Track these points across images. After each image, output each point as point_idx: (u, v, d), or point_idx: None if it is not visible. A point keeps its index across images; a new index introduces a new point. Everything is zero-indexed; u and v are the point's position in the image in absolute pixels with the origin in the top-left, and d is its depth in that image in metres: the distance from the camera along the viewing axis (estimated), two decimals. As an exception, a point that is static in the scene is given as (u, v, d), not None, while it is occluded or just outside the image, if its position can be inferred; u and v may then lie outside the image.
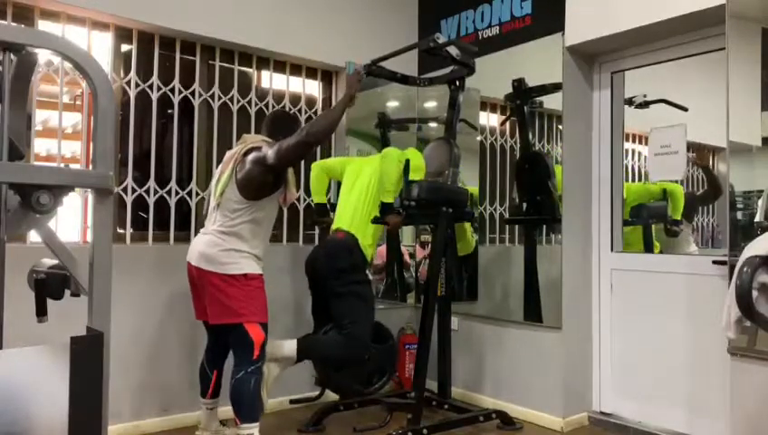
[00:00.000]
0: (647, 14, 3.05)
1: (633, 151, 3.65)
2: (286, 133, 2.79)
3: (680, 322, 3.15)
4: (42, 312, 1.66)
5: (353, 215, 3.20)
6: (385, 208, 3.14)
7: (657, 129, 3.30)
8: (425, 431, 3.05)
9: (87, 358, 1.31)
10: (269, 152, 2.71)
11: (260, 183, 2.74)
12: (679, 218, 3.43)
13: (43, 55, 2.67)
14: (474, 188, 3.92)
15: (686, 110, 3.29)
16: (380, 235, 3.32)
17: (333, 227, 3.27)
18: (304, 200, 3.89)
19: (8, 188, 1.42)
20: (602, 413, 3.46)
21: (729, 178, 2.72)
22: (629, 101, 3.52)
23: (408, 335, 4.04)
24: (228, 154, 2.91)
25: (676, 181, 3.36)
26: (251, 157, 2.75)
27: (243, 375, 2.66)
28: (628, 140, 3.59)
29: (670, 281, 3.20)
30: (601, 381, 3.50)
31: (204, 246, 2.72)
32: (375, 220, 3.20)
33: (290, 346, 2.99)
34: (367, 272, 3.23)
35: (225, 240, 2.71)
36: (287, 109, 3.86)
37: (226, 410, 2.77)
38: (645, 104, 3.48)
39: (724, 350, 2.65)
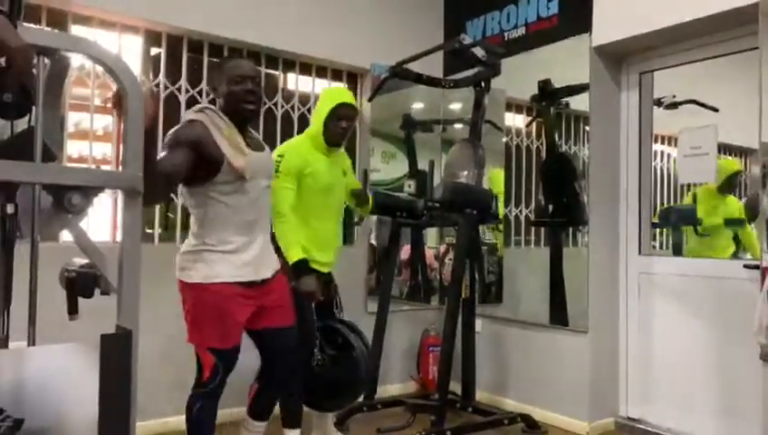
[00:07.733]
0: (677, 14, 3.00)
1: (662, 153, 3.60)
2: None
3: (710, 326, 3.09)
4: (73, 310, 1.68)
5: None
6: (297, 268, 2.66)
7: (687, 129, 3.24)
8: (448, 433, 3.04)
9: (116, 355, 1.34)
10: None
11: None
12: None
13: (76, 59, 2.73)
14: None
15: (716, 110, 3.22)
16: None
17: None
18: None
19: (41, 189, 1.45)
20: (629, 419, 3.41)
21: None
22: (658, 102, 3.47)
23: (432, 337, 4.03)
24: None
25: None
26: None
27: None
28: (656, 141, 3.53)
29: (700, 285, 3.14)
30: (629, 385, 3.44)
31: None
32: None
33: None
34: None
35: None
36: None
37: (222, 413, 2.47)
38: (674, 105, 3.42)
39: (757, 356, 2.59)
